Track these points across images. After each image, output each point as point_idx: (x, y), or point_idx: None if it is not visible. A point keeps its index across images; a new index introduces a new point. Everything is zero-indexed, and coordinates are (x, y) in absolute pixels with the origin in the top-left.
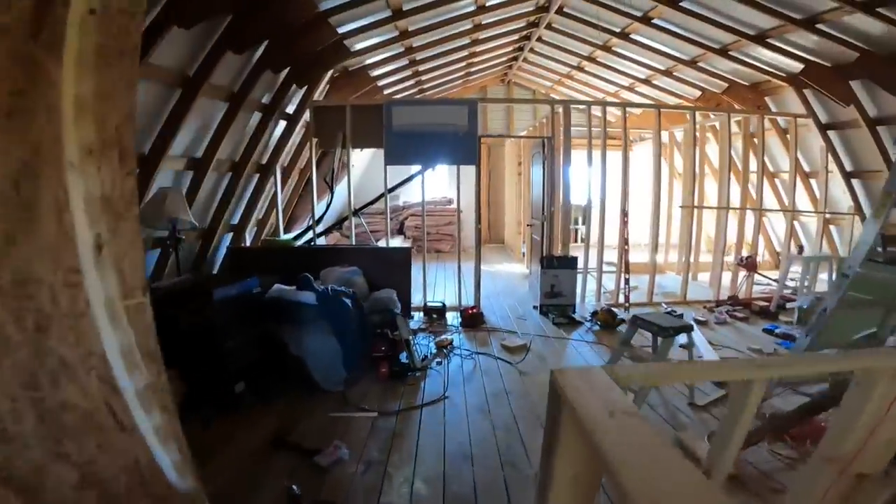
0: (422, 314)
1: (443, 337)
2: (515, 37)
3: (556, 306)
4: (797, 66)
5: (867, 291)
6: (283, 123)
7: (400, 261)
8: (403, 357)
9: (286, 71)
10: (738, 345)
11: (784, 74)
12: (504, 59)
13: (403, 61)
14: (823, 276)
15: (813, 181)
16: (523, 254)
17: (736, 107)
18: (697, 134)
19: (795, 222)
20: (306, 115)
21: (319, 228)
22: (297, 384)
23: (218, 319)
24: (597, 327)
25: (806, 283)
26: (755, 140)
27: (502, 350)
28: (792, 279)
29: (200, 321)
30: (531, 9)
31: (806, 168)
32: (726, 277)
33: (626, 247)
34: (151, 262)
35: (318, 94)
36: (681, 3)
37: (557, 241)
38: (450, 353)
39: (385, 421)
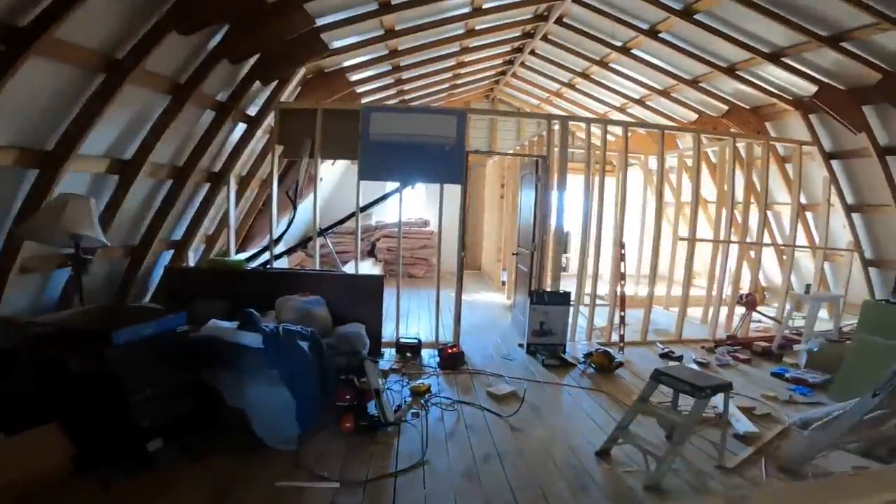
0: (394, 351)
1: (419, 382)
2: (507, 48)
3: (546, 346)
4: (809, 89)
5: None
6: (242, 126)
7: (370, 290)
8: (372, 407)
9: (249, 64)
10: (748, 391)
11: (791, 98)
12: (492, 72)
13: (386, 66)
14: (822, 314)
15: (808, 214)
16: (503, 283)
17: (732, 131)
18: (690, 161)
19: (781, 256)
20: (271, 118)
21: (279, 248)
22: (239, 441)
23: (121, 365)
24: (591, 370)
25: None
26: (751, 168)
27: (489, 398)
28: (793, 318)
29: (97, 366)
30: (529, 16)
31: (803, 200)
32: (720, 314)
33: (623, 281)
34: (59, 283)
35: (288, 96)
36: (695, 17)
37: (547, 273)
38: (428, 401)
39: (349, 496)
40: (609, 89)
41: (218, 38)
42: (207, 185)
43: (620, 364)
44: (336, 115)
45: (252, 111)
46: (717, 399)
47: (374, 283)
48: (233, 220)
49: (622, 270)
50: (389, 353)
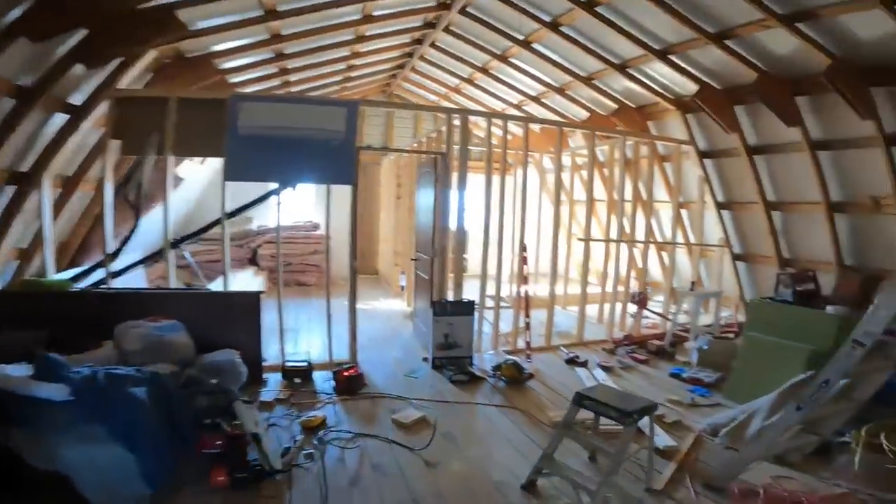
0: (280, 377)
1: (312, 414)
2: (408, 38)
3: (453, 360)
4: (691, 88)
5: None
6: (63, 117)
7: (245, 308)
8: (253, 453)
9: (69, 44)
10: (654, 395)
11: (673, 97)
12: (390, 65)
13: (266, 52)
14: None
15: (683, 212)
16: (402, 288)
17: (620, 129)
18: (580, 160)
19: (664, 254)
20: (107, 108)
21: (123, 263)
22: None
23: None
24: (502, 383)
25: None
26: (637, 167)
27: (396, 428)
28: (673, 313)
29: None
30: (432, 3)
31: (679, 198)
32: (607, 311)
33: (526, 284)
34: None
35: (134, 82)
36: (596, 8)
37: (449, 279)
38: (324, 438)
39: None
40: (508, 85)
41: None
42: (14, 189)
43: (531, 376)
44: (196, 106)
45: (78, 99)
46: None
47: (248, 300)
48: (48, 231)
49: (525, 274)
50: (274, 380)
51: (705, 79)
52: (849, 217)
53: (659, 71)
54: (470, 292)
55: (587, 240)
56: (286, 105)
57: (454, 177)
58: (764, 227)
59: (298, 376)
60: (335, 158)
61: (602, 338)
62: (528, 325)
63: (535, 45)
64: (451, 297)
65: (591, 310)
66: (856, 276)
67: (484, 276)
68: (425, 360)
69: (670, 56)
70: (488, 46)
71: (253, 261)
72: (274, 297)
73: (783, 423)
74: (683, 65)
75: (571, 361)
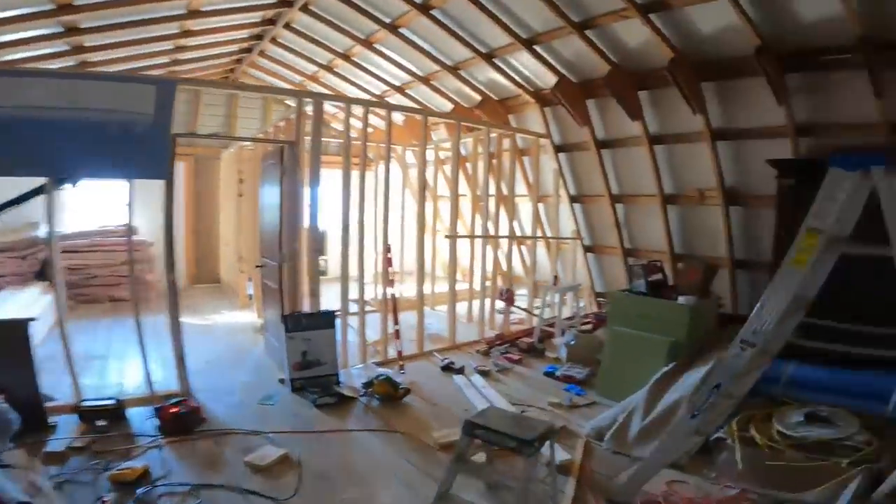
0: (78, 420)
1: (127, 464)
2: (257, 16)
3: (315, 380)
4: (550, 81)
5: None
6: None
7: (8, 341)
8: None
9: None
10: (534, 399)
11: (533, 90)
12: (234, 47)
13: (53, 25)
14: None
15: (541, 206)
16: (250, 297)
17: (484, 121)
18: (441, 154)
19: (524, 249)
20: None
21: None
22: None
23: None
24: (376, 403)
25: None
26: (500, 161)
27: (251, 472)
28: (537, 307)
29: None
30: None
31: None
32: (476, 309)
33: (391, 288)
34: None
35: None
36: None
37: (304, 287)
38: (148, 494)
39: None
40: (371, 74)
41: None
42: None
43: (407, 391)
44: None
45: None
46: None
47: (10, 330)
48: None
49: (391, 276)
50: (69, 424)
51: (564, 71)
52: (679, 208)
53: (523, 62)
54: (330, 298)
55: (453, 237)
56: (66, 81)
57: (306, 171)
58: (609, 220)
59: (102, 417)
60: (141, 147)
61: (474, 338)
62: (397, 333)
63: (403, 30)
64: (307, 307)
65: (461, 308)
66: (699, 265)
67: (345, 280)
68: (282, 381)
69: (535, 46)
70: (352, 30)
71: (42, 275)
72: (80, 318)
73: (681, 433)
74: (546, 56)
75: (448, 369)
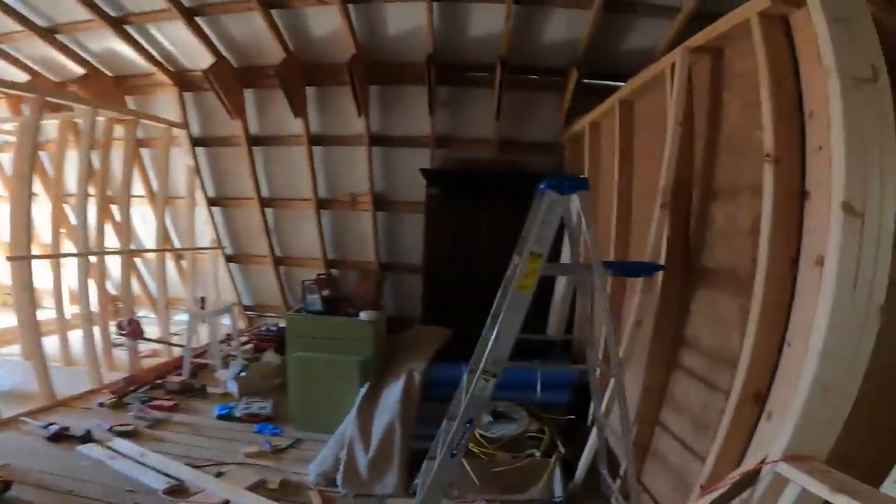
0: None
1: None
2: None
3: None
4: (203, 62)
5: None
6: None
7: None
8: None
9: None
10: (223, 453)
11: (174, 70)
12: None
13: None
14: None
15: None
16: None
17: (90, 100)
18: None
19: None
20: None
21: None
22: None
23: None
24: None
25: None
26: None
27: None
28: (175, 335)
29: None
30: None
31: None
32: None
33: None
34: None
35: None
36: None
37: None
38: None
39: None
40: None
41: None
42: None
43: (7, 484)
44: None
45: None
46: None
47: None
48: None
49: None
50: None
51: (226, 52)
52: (332, 214)
53: (172, 34)
54: None
55: (21, 258)
56: None
57: None
58: (258, 226)
59: None
60: None
61: (87, 388)
62: None
63: None
64: None
65: (49, 347)
66: (370, 276)
67: None
68: None
69: (198, 17)
70: None
71: None
72: None
73: (445, 474)
74: (209, 31)
75: (61, 438)
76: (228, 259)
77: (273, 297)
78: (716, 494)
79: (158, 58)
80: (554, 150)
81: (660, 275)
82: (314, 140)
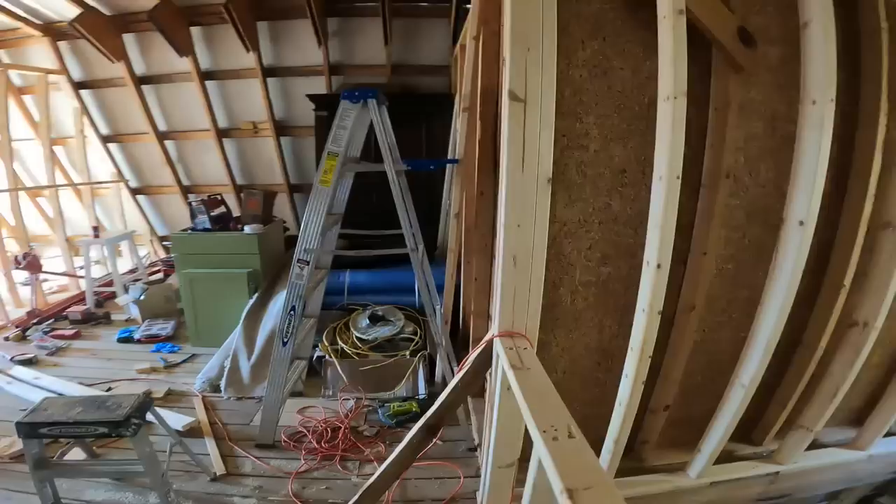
0: None
1: None
2: None
3: None
4: (69, 13)
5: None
6: None
7: None
8: None
9: None
10: (117, 371)
11: (40, 22)
12: None
13: None
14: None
15: (58, 149)
16: None
17: None
18: None
19: (42, 201)
20: None
21: None
22: None
23: None
24: None
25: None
26: None
27: None
28: (80, 268)
29: None
30: None
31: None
32: None
33: None
34: None
35: None
36: None
37: None
38: None
39: None
40: None
41: None
42: None
43: None
44: None
45: None
46: None
47: None
48: None
49: None
50: None
51: (92, 3)
52: (235, 142)
53: None
54: None
55: None
56: None
57: None
58: (160, 158)
59: None
60: None
61: None
62: None
63: None
64: None
65: None
66: (257, 194)
67: None
68: None
69: None
70: None
71: None
72: None
73: (280, 362)
74: None
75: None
76: (135, 192)
77: (187, 224)
78: (472, 357)
79: (22, 14)
80: (445, 71)
81: (475, 170)
82: (206, 75)
